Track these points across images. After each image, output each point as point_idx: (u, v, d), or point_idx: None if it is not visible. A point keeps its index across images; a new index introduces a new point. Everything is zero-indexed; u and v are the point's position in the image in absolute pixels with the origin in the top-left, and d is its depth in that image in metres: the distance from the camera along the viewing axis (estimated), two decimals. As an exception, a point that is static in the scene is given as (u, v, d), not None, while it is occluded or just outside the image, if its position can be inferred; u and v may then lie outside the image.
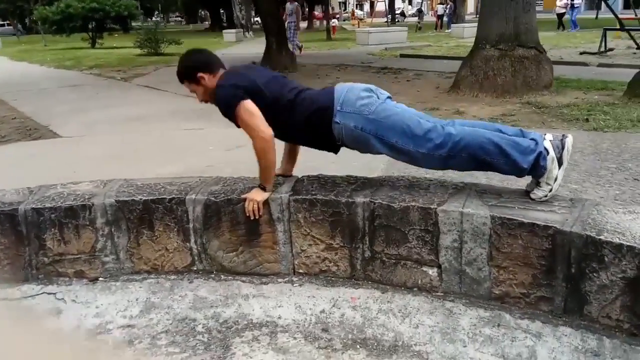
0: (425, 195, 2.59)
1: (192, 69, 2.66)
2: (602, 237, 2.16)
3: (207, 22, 58.49)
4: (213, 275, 2.82)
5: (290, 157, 2.98)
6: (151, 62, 14.94)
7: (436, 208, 2.47)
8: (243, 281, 2.75)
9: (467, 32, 20.47)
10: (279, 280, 2.75)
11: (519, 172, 2.44)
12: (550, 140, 2.42)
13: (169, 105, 7.57)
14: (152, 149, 5.12)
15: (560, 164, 2.40)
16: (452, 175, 3.36)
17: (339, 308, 2.52)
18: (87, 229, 2.81)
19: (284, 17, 14.97)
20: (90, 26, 25.06)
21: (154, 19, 48.28)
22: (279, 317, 2.50)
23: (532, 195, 2.49)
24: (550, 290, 2.34)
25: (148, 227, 2.82)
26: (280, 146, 2.77)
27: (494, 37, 7.70)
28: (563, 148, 2.40)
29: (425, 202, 2.52)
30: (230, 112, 2.55)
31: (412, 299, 2.53)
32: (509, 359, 2.17)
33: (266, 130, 2.52)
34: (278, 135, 2.72)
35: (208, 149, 5.01)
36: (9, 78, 12.49)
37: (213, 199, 2.75)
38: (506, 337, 2.26)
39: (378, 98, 2.54)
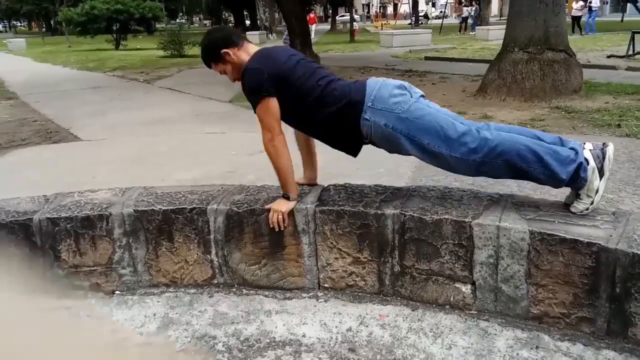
0: (458, 207, 2.46)
1: (214, 47, 2.53)
2: (650, 256, 2.01)
3: (230, 24, 58.81)
4: (234, 290, 2.71)
5: (309, 162, 2.86)
6: (174, 64, 14.95)
7: (471, 221, 2.34)
8: (266, 296, 2.64)
9: (491, 34, 20.23)
10: (304, 295, 2.63)
11: (557, 183, 2.29)
12: (590, 150, 2.27)
13: (191, 108, 7.51)
14: (173, 153, 5.04)
15: (601, 174, 2.26)
16: (485, 185, 3.21)
17: (367, 326, 2.40)
18: (104, 240, 2.72)
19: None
20: (114, 27, 25.29)
21: (177, 20, 48.65)
22: (303, 336, 2.37)
23: (573, 209, 2.34)
24: (592, 311, 2.19)
25: (167, 238, 2.72)
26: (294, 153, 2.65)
27: (523, 39, 7.51)
28: (604, 158, 2.25)
29: (459, 215, 2.38)
30: (252, 98, 2.45)
31: (444, 318, 2.40)
32: (549, 385, 2.03)
33: (278, 134, 2.42)
34: (300, 126, 2.62)
35: (230, 153, 4.91)
36: (32, 79, 12.58)
37: (235, 209, 2.64)
38: (546, 361, 2.11)
39: (411, 96, 2.41)
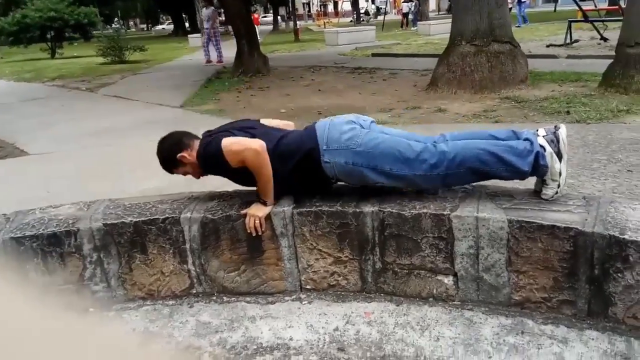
0: (435, 200, 2.48)
1: (170, 156, 2.59)
2: (626, 237, 2.08)
3: (169, 24, 57.76)
4: (214, 298, 2.65)
5: None
6: (116, 71, 14.54)
7: (449, 214, 2.36)
8: (248, 302, 2.59)
9: (433, 29, 20.58)
10: (286, 298, 2.60)
11: (521, 176, 2.36)
12: (543, 136, 2.34)
13: (142, 115, 7.32)
14: (131, 162, 4.89)
15: (560, 157, 2.32)
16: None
17: (353, 324, 2.39)
18: (73, 257, 2.61)
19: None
20: (48, 36, 24.32)
21: (113, 25, 47.38)
22: (291, 339, 2.34)
23: (543, 195, 2.40)
24: (572, 293, 2.25)
25: (141, 250, 2.63)
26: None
27: (469, 33, 7.68)
28: (559, 141, 2.32)
29: (437, 208, 2.41)
30: (220, 163, 2.43)
31: (429, 310, 2.42)
32: (537, 368, 2.07)
33: (255, 144, 2.39)
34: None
35: (190, 160, 4.82)
36: (-37, 95, 11.99)
37: (210, 216, 2.58)
38: (532, 345, 2.16)
39: (362, 127, 2.45)
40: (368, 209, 2.47)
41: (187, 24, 45.51)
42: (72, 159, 5.21)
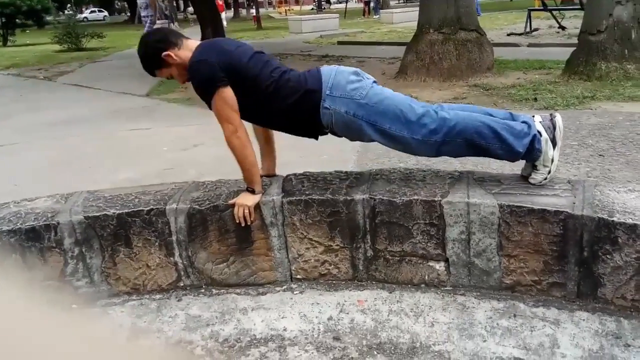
0: (424, 187, 2.48)
1: (153, 53, 2.37)
2: (614, 219, 2.12)
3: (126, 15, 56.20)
4: (203, 290, 2.59)
5: (268, 152, 2.77)
6: (74, 59, 14.11)
7: (440, 200, 2.36)
8: (238, 293, 2.54)
9: (396, 17, 20.68)
10: (277, 289, 2.56)
11: (514, 157, 2.37)
12: (540, 122, 2.36)
13: (106, 105, 7.13)
14: (100, 153, 4.76)
15: (554, 144, 2.34)
16: (429, 164, 3.27)
17: (347, 313, 2.38)
18: (54, 252, 2.51)
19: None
20: (-1, 23, 23.40)
21: (66, 12, 45.85)
22: (285, 330, 2.32)
23: (531, 180, 2.42)
24: (562, 276, 2.28)
25: (125, 243, 2.55)
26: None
27: (437, 21, 7.75)
28: (555, 128, 2.35)
29: (427, 195, 2.40)
30: (205, 93, 2.30)
31: (422, 296, 2.42)
32: (531, 349, 2.10)
33: (240, 125, 2.32)
34: (256, 119, 2.52)
35: (162, 150, 4.71)
36: None
37: (197, 207, 2.52)
38: (525, 328, 2.19)
39: (367, 81, 2.39)
40: (359, 196, 2.45)
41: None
42: (37, 151, 5.04)
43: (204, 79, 2.28)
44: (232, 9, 40.06)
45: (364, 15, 28.99)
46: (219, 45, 2.42)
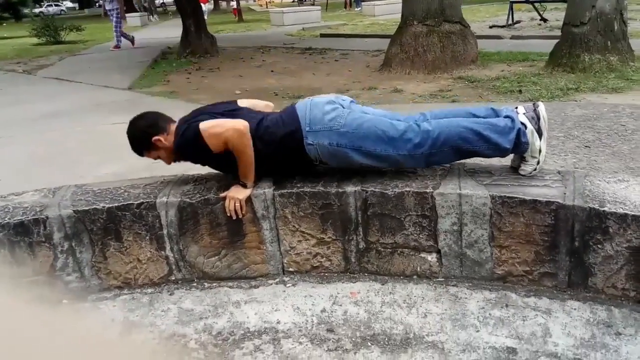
0: (416, 179, 2.49)
1: (143, 138, 2.46)
2: (605, 209, 2.15)
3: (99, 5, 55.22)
4: (195, 284, 2.57)
5: None
6: (53, 52, 13.85)
7: (432, 192, 2.37)
8: (230, 287, 2.53)
9: (378, 10, 20.64)
10: (270, 282, 2.56)
11: (503, 153, 2.39)
12: (523, 113, 2.38)
13: (88, 98, 7.01)
14: (83, 147, 4.67)
15: (540, 134, 2.37)
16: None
17: (340, 305, 2.38)
18: (43, 246, 2.48)
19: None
20: (-25, 16, 22.97)
21: (45, 5, 45.07)
22: (278, 322, 2.31)
23: (522, 172, 2.44)
24: (553, 266, 2.31)
25: (115, 237, 2.52)
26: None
27: (421, 13, 7.73)
28: (539, 118, 2.37)
29: (419, 187, 2.41)
30: (199, 150, 2.34)
31: (415, 288, 2.43)
32: (524, 338, 2.12)
33: (238, 124, 2.32)
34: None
35: (148, 143, 4.65)
36: None
37: (188, 200, 2.50)
38: (517, 317, 2.21)
39: (343, 107, 2.40)
40: (350, 188, 2.45)
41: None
42: (19, 145, 4.94)
43: (189, 141, 2.35)
44: (213, 1, 39.69)
45: (345, 7, 28.87)
46: (193, 114, 2.51)
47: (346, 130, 2.32)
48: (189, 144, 2.35)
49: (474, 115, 2.41)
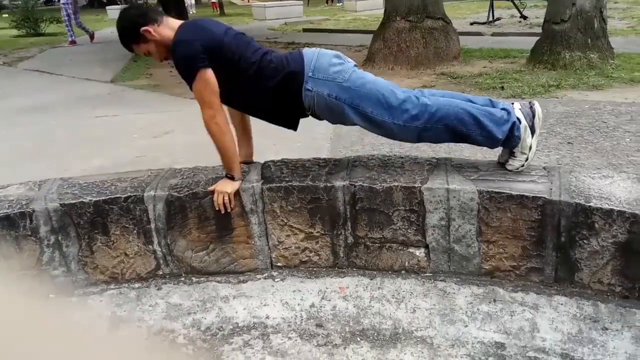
0: (403, 173, 2.49)
1: (132, 27, 2.31)
2: (591, 204, 2.17)
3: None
4: (183, 279, 2.56)
5: (245, 139, 2.74)
6: (33, 44, 13.68)
7: (420, 186, 2.38)
8: (219, 281, 2.52)
9: (359, 5, 20.66)
10: (258, 276, 2.55)
11: (494, 143, 2.40)
12: (519, 109, 2.40)
13: (71, 91, 6.94)
14: (68, 141, 4.63)
15: (532, 132, 2.38)
16: (402, 150, 3.30)
17: (329, 300, 2.38)
18: (29, 240, 2.44)
19: None
20: (-49, 7, 22.45)
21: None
22: (267, 317, 2.31)
23: (509, 167, 2.46)
24: (540, 261, 2.34)
25: (102, 231, 2.49)
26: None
27: (404, 8, 7.77)
28: (534, 116, 2.38)
29: (407, 181, 2.42)
30: (187, 73, 2.27)
31: (403, 283, 2.45)
32: (512, 333, 2.15)
33: (220, 110, 2.29)
34: (234, 103, 2.49)
35: (132, 137, 4.62)
36: None
37: (176, 194, 2.48)
38: (505, 312, 2.24)
39: (349, 64, 2.39)
40: (339, 183, 2.45)
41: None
42: (2, 138, 4.87)
43: (188, 58, 2.25)
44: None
45: (327, 3, 28.84)
46: (202, 26, 2.37)
47: (348, 85, 2.29)
48: (180, 64, 2.27)
49: (471, 102, 2.41)
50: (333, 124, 2.52)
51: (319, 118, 2.46)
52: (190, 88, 2.31)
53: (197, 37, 2.27)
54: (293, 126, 2.51)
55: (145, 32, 2.31)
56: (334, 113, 2.38)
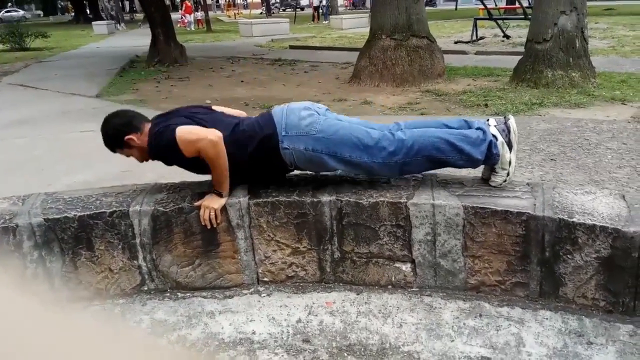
0: (390, 189, 2.51)
1: (117, 135, 2.44)
2: (574, 220, 2.20)
3: (70, 14, 54.27)
4: (168, 294, 2.54)
5: None
6: (18, 58, 13.60)
7: (406, 202, 2.40)
8: (204, 297, 2.50)
9: (345, 23, 20.86)
10: (244, 291, 2.54)
11: (474, 164, 2.44)
12: (494, 126, 2.44)
13: (55, 106, 6.88)
14: (51, 155, 4.59)
15: (510, 147, 2.42)
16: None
17: (316, 315, 2.37)
18: (13, 256, 2.41)
19: None
20: None
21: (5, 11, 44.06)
22: (253, 333, 2.29)
23: (492, 183, 2.49)
24: (525, 276, 2.36)
25: (86, 246, 2.47)
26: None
27: (389, 27, 7.86)
28: (509, 131, 2.42)
29: (393, 197, 2.44)
30: (173, 152, 2.32)
31: (390, 298, 2.45)
32: (498, 348, 2.15)
33: (210, 134, 2.31)
34: None
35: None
36: None
37: (162, 209, 2.47)
38: (491, 327, 2.24)
39: (319, 114, 2.43)
40: (326, 198, 2.46)
41: (88, 11, 43.17)
42: (-18, 152, 4.81)
43: (164, 143, 2.34)
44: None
45: (313, 20, 29.11)
46: (170, 119, 2.46)
47: (322, 135, 2.34)
48: (163, 147, 2.34)
49: (447, 127, 2.47)
50: (317, 172, 2.59)
51: (304, 171, 2.55)
52: (184, 162, 2.42)
53: (166, 122, 2.41)
54: (281, 176, 2.62)
55: (129, 140, 2.42)
56: (315, 164, 2.43)
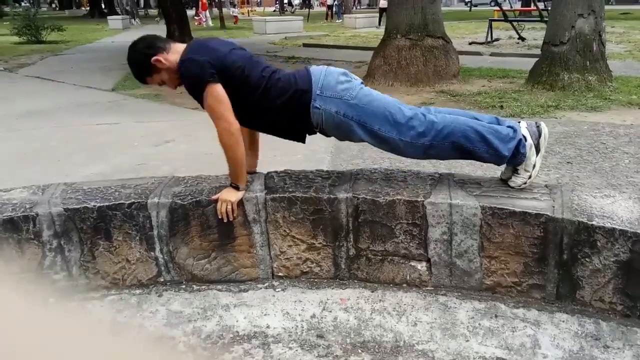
0: (406, 187, 2.51)
1: (143, 59, 2.35)
2: (594, 223, 2.19)
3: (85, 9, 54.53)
4: (184, 286, 2.55)
5: (252, 149, 2.75)
6: (34, 51, 13.71)
7: (423, 200, 2.40)
8: (219, 290, 2.51)
9: (359, 22, 20.84)
10: (259, 286, 2.54)
11: (500, 160, 2.41)
12: (526, 127, 2.42)
13: (71, 98, 6.94)
14: (67, 147, 4.63)
15: (537, 150, 2.40)
16: (401, 166, 3.31)
17: (330, 311, 2.38)
18: (32, 244, 2.43)
19: None
20: (-46, 13, 22.53)
21: (22, 4, 44.39)
22: (268, 327, 2.30)
23: (511, 183, 2.48)
24: (542, 278, 2.35)
25: (105, 237, 2.49)
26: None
27: (404, 27, 7.85)
28: (540, 135, 2.41)
29: (410, 195, 2.43)
30: (196, 91, 2.29)
31: (404, 296, 2.45)
32: (513, 349, 2.14)
33: (233, 122, 2.29)
34: (244, 121, 2.48)
35: (132, 145, 4.62)
36: None
37: (179, 201, 2.48)
38: (506, 328, 2.24)
39: (356, 82, 2.41)
40: (342, 195, 2.46)
41: (103, 5, 43.42)
42: (2, 143, 4.86)
43: (194, 75, 2.27)
44: (194, 9, 39.71)
45: (326, 19, 29.10)
46: (207, 45, 2.39)
47: (356, 103, 2.32)
48: (188, 80, 2.29)
49: (477, 119, 2.43)
50: (340, 140, 2.54)
51: (327, 135, 2.49)
52: (202, 106, 2.33)
53: (203, 54, 2.30)
54: (302, 140, 2.54)
55: (156, 61, 2.34)
56: (342, 130, 2.40)
